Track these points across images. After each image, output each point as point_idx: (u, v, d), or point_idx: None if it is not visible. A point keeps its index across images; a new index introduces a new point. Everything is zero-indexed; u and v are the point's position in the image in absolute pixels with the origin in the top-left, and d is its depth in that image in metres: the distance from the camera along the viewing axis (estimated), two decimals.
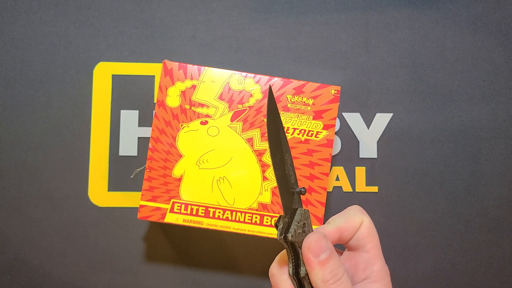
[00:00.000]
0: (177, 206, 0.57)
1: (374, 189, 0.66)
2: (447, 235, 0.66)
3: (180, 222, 0.56)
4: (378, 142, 0.67)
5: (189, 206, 0.57)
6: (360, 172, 0.66)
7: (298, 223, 0.38)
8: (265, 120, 0.42)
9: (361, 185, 0.66)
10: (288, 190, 0.40)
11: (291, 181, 0.41)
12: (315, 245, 0.38)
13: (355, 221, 0.43)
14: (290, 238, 0.37)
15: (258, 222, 0.57)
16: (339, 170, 0.66)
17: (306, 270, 0.38)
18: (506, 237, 0.66)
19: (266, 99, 0.41)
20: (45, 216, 0.65)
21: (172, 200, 0.57)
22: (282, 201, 0.39)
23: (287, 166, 0.40)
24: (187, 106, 0.57)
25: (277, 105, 0.57)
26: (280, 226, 0.39)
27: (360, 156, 0.66)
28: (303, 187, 0.41)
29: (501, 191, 0.67)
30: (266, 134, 0.41)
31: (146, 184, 0.57)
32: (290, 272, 0.39)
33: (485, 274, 0.66)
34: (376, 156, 0.67)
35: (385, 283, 0.42)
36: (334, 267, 0.38)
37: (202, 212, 0.57)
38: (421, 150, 0.67)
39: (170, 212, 0.57)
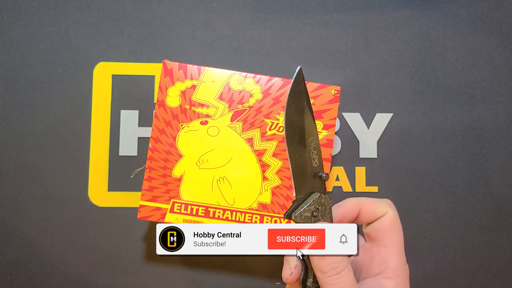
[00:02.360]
0: (177, 206, 0.57)
1: (374, 189, 0.66)
2: (447, 235, 0.66)
3: (180, 222, 0.56)
4: (378, 142, 0.67)
5: (189, 206, 0.57)
6: (360, 172, 0.66)
7: (308, 206, 0.39)
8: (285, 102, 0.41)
9: (361, 185, 0.66)
10: (305, 172, 0.41)
11: (312, 164, 0.41)
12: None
13: (380, 207, 0.44)
14: (293, 219, 0.39)
15: (258, 222, 0.57)
16: (339, 170, 0.66)
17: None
18: (506, 237, 0.66)
19: (289, 85, 0.43)
20: (45, 216, 0.65)
21: (172, 200, 0.57)
22: (294, 183, 0.40)
23: (308, 149, 0.41)
24: (187, 106, 0.57)
25: (278, 104, 0.57)
26: (290, 207, 0.40)
27: (360, 156, 0.66)
28: (325, 173, 0.41)
29: (501, 191, 0.67)
30: (284, 114, 0.41)
31: (146, 184, 0.57)
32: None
33: (485, 274, 0.66)
34: (376, 156, 0.67)
35: (400, 281, 0.41)
36: (334, 260, 0.39)
37: (202, 212, 0.57)
38: (421, 150, 0.67)
39: (170, 212, 0.57)
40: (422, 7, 0.68)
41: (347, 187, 0.66)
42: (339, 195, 0.66)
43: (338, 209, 0.43)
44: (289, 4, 0.68)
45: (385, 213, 0.44)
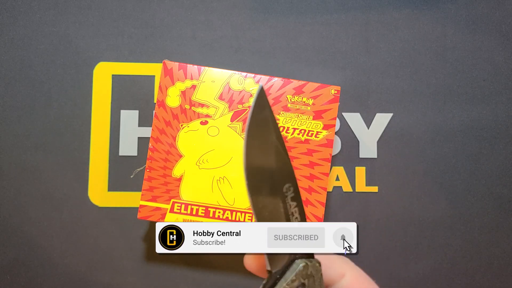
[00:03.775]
0: (177, 206, 0.57)
1: (374, 189, 0.66)
2: (447, 235, 0.66)
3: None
4: (378, 142, 0.67)
5: (189, 206, 0.57)
6: (360, 172, 0.66)
7: (289, 284, 0.29)
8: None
9: (361, 185, 0.66)
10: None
11: (291, 220, 0.31)
12: None
13: (332, 269, 0.33)
14: None
15: None
16: (339, 170, 0.66)
17: None
18: (506, 237, 0.66)
19: (248, 111, 0.32)
20: (45, 216, 0.65)
21: (172, 200, 0.57)
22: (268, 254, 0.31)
23: (284, 200, 0.31)
24: (187, 106, 0.57)
25: (278, 104, 0.57)
26: (263, 282, 0.30)
27: (360, 156, 0.66)
28: None
29: (501, 191, 0.67)
30: (244, 158, 0.30)
31: (146, 184, 0.57)
32: None
33: (485, 274, 0.66)
34: (376, 156, 0.67)
35: None
36: None
37: (202, 212, 0.57)
38: (421, 150, 0.67)
39: (170, 212, 0.57)
40: (422, 7, 0.68)
41: (347, 187, 0.66)
42: (339, 195, 0.66)
43: None
44: (289, 4, 0.68)
45: (341, 276, 0.33)
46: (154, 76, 0.66)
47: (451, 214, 0.66)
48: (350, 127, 0.66)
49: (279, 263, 0.30)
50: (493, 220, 0.67)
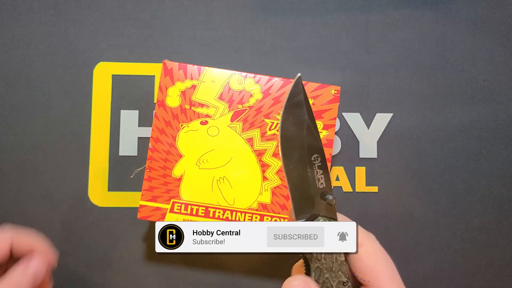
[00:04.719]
0: (177, 206, 0.57)
1: (374, 189, 0.66)
2: (447, 235, 0.66)
3: None
4: (378, 142, 0.67)
5: (189, 206, 0.57)
6: (360, 172, 0.66)
7: None
8: (280, 112, 0.38)
9: (361, 185, 0.66)
10: (307, 194, 0.37)
11: (317, 185, 0.37)
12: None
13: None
14: None
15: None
16: (339, 170, 0.66)
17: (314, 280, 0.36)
18: (506, 237, 0.66)
19: (287, 93, 0.36)
20: (45, 216, 0.65)
21: (172, 200, 0.57)
22: (294, 205, 0.36)
23: (311, 168, 0.37)
24: (187, 106, 0.57)
25: (278, 104, 0.57)
26: None
27: (360, 156, 0.66)
28: (331, 195, 0.37)
29: (501, 191, 0.67)
30: (280, 128, 0.36)
31: (146, 184, 0.57)
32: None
33: (485, 274, 0.66)
34: (376, 156, 0.67)
35: None
36: None
37: (202, 212, 0.57)
38: (421, 150, 0.67)
39: (170, 212, 0.57)
40: (422, 7, 0.68)
41: (347, 187, 0.66)
42: (339, 195, 0.66)
43: None
44: (289, 4, 0.68)
45: (359, 245, 0.37)
46: (154, 76, 0.66)
47: (451, 214, 0.66)
48: (350, 127, 0.66)
49: (304, 216, 0.36)
50: (493, 220, 0.67)
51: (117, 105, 0.66)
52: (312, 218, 0.36)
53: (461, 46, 0.68)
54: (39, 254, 0.44)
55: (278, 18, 0.68)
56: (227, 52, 0.67)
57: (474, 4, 0.68)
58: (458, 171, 0.67)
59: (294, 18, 0.68)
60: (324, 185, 0.37)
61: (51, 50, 0.67)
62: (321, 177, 0.37)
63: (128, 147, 0.66)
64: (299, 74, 0.36)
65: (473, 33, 0.68)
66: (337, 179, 0.66)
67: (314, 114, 0.54)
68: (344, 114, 0.66)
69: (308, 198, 0.37)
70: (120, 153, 0.66)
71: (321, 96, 0.57)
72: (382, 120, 0.67)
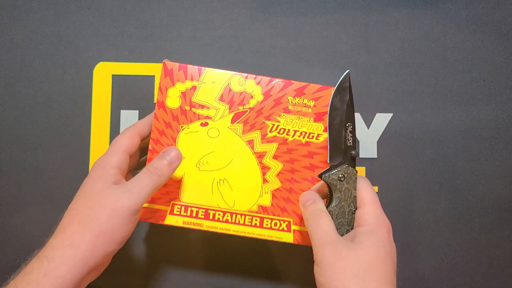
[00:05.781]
0: (177, 208, 0.57)
1: (374, 189, 0.66)
2: (447, 235, 0.66)
3: (180, 224, 0.56)
4: (378, 142, 0.67)
5: (189, 208, 0.57)
6: (360, 172, 0.66)
7: (336, 172, 0.52)
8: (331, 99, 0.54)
9: None
10: (340, 147, 0.53)
11: (347, 143, 0.53)
12: (304, 197, 0.54)
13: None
14: (323, 178, 0.52)
15: (258, 224, 0.57)
16: None
17: (334, 206, 0.52)
18: (506, 237, 0.67)
19: (337, 86, 0.54)
20: (45, 216, 0.65)
21: (172, 202, 0.57)
22: (330, 153, 0.53)
23: (345, 131, 0.53)
24: (187, 107, 0.57)
25: (279, 106, 0.57)
26: (324, 170, 0.53)
27: (360, 156, 0.67)
28: (355, 151, 0.53)
29: (501, 191, 0.67)
30: (330, 102, 0.54)
31: None
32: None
33: (485, 274, 0.66)
34: (376, 156, 0.67)
35: (378, 230, 0.49)
36: (312, 210, 0.51)
37: (202, 214, 0.57)
38: (421, 150, 0.67)
39: (169, 214, 0.57)
40: (422, 7, 0.68)
41: None
42: None
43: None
44: (289, 4, 0.68)
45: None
46: (154, 76, 0.66)
47: (451, 214, 0.67)
48: None
49: (335, 162, 0.53)
50: (493, 220, 0.67)
51: (117, 105, 0.66)
52: (339, 164, 0.53)
53: (461, 46, 0.68)
54: (172, 148, 0.54)
55: (278, 18, 0.68)
56: (227, 52, 0.67)
57: (474, 4, 0.68)
58: (458, 171, 0.67)
59: (294, 18, 0.68)
60: (351, 144, 0.53)
61: (51, 50, 0.67)
62: (350, 138, 0.53)
63: None
64: (347, 71, 0.54)
65: (473, 33, 0.68)
66: None
67: (315, 116, 0.54)
68: None
69: (339, 150, 0.53)
70: None
71: (322, 98, 0.57)
72: (382, 120, 0.67)
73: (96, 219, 0.48)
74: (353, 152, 0.53)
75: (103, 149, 0.66)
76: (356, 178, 0.53)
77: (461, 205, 0.67)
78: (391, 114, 0.67)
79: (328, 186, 0.52)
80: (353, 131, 0.53)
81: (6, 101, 0.66)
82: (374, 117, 0.67)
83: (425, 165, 0.67)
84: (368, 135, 0.67)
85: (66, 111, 0.66)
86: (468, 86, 0.68)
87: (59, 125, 0.66)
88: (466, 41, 0.68)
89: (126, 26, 0.67)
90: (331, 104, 0.54)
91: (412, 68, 0.68)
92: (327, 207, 0.52)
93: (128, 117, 0.66)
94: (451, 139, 0.67)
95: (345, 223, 0.52)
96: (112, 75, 0.67)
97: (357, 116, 0.67)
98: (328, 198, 0.53)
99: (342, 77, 0.53)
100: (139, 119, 0.66)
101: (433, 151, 0.67)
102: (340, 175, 0.52)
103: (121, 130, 0.66)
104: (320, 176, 0.52)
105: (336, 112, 0.53)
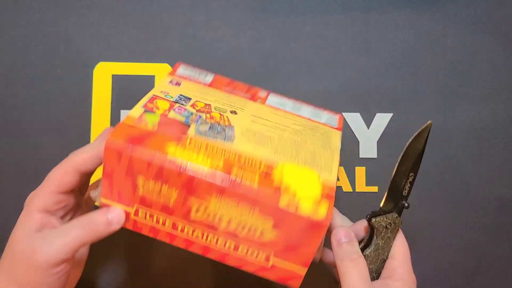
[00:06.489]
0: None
1: (374, 189, 0.66)
2: (447, 235, 0.66)
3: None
4: (378, 142, 0.67)
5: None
6: (360, 172, 0.66)
7: (386, 219, 0.50)
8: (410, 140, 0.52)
9: (361, 185, 0.66)
10: (396, 194, 0.52)
11: (402, 192, 0.52)
12: (340, 233, 0.50)
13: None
14: (372, 222, 0.50)
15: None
16: (339, 170, 0.66)
17: (371, 251, 0.50)
18: (506, 237, 0.66)
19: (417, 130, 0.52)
20: None
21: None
22: (386, 197, 0.52)
23: (406, 179, 0.52)
24: None
25: None
26: (374, 212, 0.51)
27: (360, 156, 0.67)
28: (408, 203, 0.52)
29: (501, 191, 0.67)
30: (405, 149, 0.52)
31: None
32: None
33: (485, 274, 0.66)
34: (376, 156, 0.67)
35: (407, 285, 0.48)
36: (349, 251, 0.48)
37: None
38: None
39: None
40: (422, 7, 0.68)
41: (347, 187, 0.66)
42: (339, 195, 0.66)
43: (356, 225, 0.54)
44: (289, 4, 0.68)
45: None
46: (154, 76, 0.67)
47: (451, 214, 0.67)
48: (350, 127, 0.66)
49: (386, 208, 0.52)
50: (493, 220, 0.67)
51: (117, 105, 0.66)
52: (389, 211, 0.51)
53: (461, 46, 0.68)
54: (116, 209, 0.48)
55: (278, 18, 0.68)
56: (227, 52, 0.67)
57: (474, 4, 0.69)
58: (458, 171, 0.67)
59: (294, 18, 0.68)
60: (406, 194, 0.52)
61: (51, 50, 0.67)
62: (407, 188, 0.52)
63: None
64: (430, 121, 0.52)
65: (473, 33, 0.68)
66: (337, 179, 0.66)
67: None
68: (344, 114, 0.66)
69: (395, 197, 0.52)
70: None
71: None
72: (382, 120, 0.67)
73: (16, 273, 0.44)
74: (406, 203, 0.52)
75: None
76: (399, 229, 0.52)
77: (461, 205, 0.67)
78: (391, 114, 0.67)
79: (370, 230, 0.51)
80: (412, 182, 0.52)
81: (6, 101, 0.66)
82: (374, 117, 0.67)
83: (425, 165, 0.67)
84: (368, 135, 0.67)
85: (66, 111, 0.66)
86: (468, 86, 0.68)
87: (59, 125, 0.66)
88: (466, 41, 0.68)
89: (126, 26, 0.67)
90: (406, 149, 0.52)
91: (412, 68, 0.68)
92: (362, 251, 0.50)
93: None
94: (451, 139, 0.67)
95: (374, 270, 0.51)
96: (112, 75, 0.67)
97: (357, 116, 0.67)
98: (364, 241, 0.51)
99: (423, 126, 0.52)
100: None
101: (433, 151, 0.67)
102: (389, 223, 0.51)
103: None
104: (369, 219, 0.51)
105: (407, 159, 0.53)
